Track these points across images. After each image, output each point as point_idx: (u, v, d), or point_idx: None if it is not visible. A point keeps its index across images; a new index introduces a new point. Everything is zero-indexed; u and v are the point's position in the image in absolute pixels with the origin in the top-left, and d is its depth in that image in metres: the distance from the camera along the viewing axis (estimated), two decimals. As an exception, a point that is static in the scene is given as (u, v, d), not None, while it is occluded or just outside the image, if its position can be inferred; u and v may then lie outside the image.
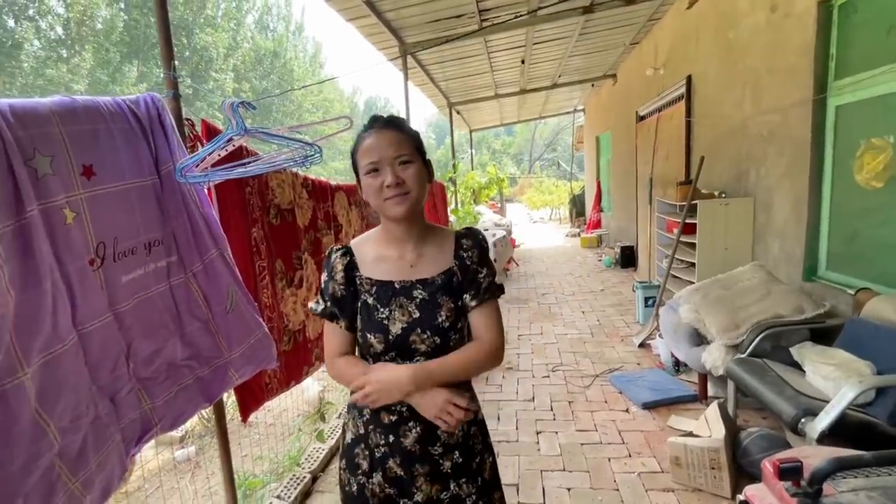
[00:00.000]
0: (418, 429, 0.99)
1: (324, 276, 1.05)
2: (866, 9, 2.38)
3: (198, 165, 1.40)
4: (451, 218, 6.55)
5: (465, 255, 1.03)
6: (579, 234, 10.47)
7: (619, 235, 8.02)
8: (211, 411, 2.26)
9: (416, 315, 0.97)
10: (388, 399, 0.93)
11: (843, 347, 2.13)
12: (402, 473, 1.00)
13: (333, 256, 1.04)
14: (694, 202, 3.54)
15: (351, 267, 1.02)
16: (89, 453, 1.13)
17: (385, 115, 1.02)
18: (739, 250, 3.42)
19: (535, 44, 5.63)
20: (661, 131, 5.36)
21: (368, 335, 0.98)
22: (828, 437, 1.70)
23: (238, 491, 1.85)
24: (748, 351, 2.38)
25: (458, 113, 9.22)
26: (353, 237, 2.70)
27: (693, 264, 3.64)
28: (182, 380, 1.43)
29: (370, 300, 1.00)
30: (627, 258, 6.83)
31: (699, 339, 2.75)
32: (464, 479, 1.03)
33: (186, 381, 1.44)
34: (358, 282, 1.01)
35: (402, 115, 4.75)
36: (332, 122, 1.63)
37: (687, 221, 3.62)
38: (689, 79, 4.45)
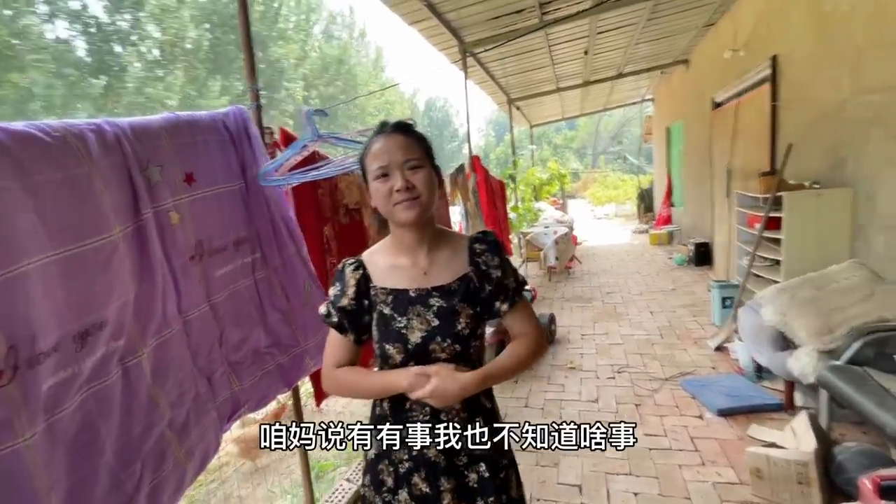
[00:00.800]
0: (441, 439, 0.97)
1: (335, 289, 1.03)
2: None
3: (277, 170, 1.53)
4: (511, 215, 6.51)
5: (480, 260, 1.01)
6: (648, 231, 9.93)
7: (692, 231, 7.51)
8: (287, 396, 2.45)
9: (435, 323, 0.95)
10: (450, 402, 0.92)
11: (965, 357, 1.87)
12: (428, 490, 0.97)
13: (346, 270, 1.03)
14: (779, 194, 3.24)
15: (364, 280, 1.01)
16: (191, 426, 1.29)
17: (394, 121, 1.01)
18: (834, 247, 3.08)
19: (598, 33, 5.43)
20: (740, 118, 4.95)
21: (386, 346, 0.97)
22: (944, 457, 1.50)
23: (311, 472, 1.99)
24: (845, 357, 2.15)
25: (517, 109, 9.11)
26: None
27: (778, 262, 3.33)
28: (265, 365, 1.58)
29: (386, 310, 0.98)
30: (702, 256, 6.38)
31: (785, 344, 2.53)
32: (492, 499, 0.99)
33: (269, 367, 1.59)
34: (373, 293, 1.00)
35: (462, 113, 4.79)
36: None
37: (771, 215, 3.32)
38: (774, 59, 4.07)
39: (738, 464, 2.17)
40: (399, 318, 0.97)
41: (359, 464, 2.34)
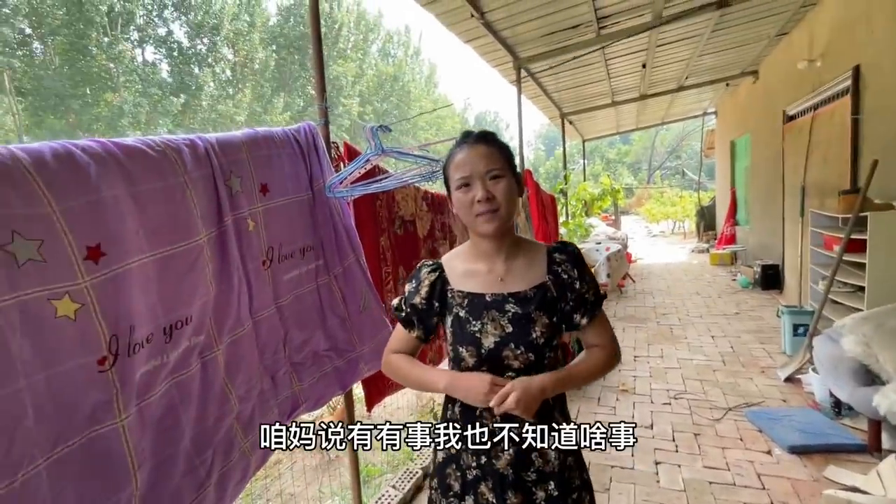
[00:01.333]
0: (510, 451, 0.97)
1: (410, 286, 1.07)
2: None
3: (342, 182, 1.62)
4: (562, 230, 6.40)
5: (559, 269, 1.00)
6: (708, 250, 9.39)
7: (758, 252, 7.01)
8: (339, 401, 2.53)
9: (509, 329, 0.95)
10: (533, 407, 0.91)
11: None
12: (494, 501, 0.97)
13: (424, 271, 1.06)
14: (863, 214, 2.98)
15: (441, 282, 1.03)
16: (256, 420, 1.37)
17: (476, 130, 1.02)
18: (930, 273, 2.77)
19: (658, 46, 5.28)
20: (816, 132, 4.61)
21: (460, 348, 0.98)
22: None
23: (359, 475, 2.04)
24: (943, 398, 1.92)
25: (570, 123, 8.99)
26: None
27: (861, 288, 3.05)
28: (323, 367, 1.65)
29: (462, 313, 0.99)
30: (770, 278, 5.94)
31: (869, 378, 2.30)
32: None
33: (326, 369, 1.66)
34: (450, 295, 1.02)
35: (514, 128, 4.81)
36: (453, 141, 1.75)
37: (853, 237, 3.05)
38: (856, 69, 3.77)
39: (812, 507, 1.98)
40: (474, 322, 0.97)
41: (405, 472, 2.36)
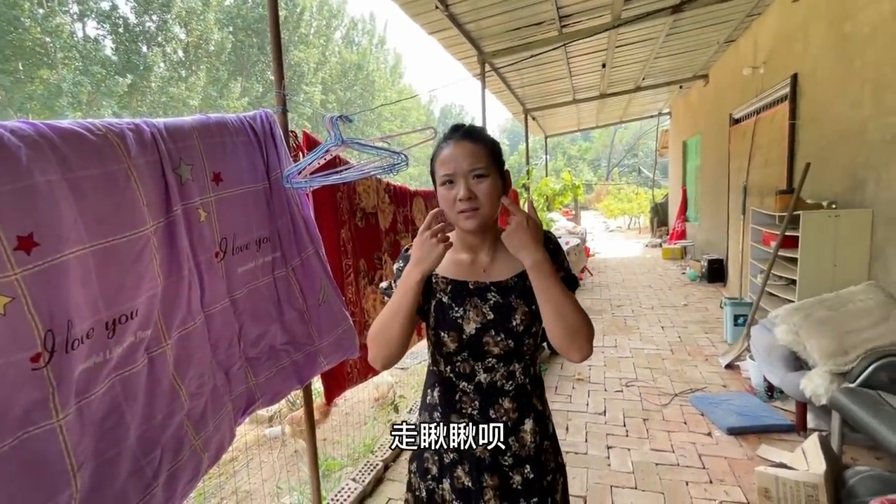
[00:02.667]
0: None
1: (398, 265, 1.06)
2: None
3: (300, 172, 1.58)
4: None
5: None
6: (661, 245, 9.86)
7: (706, 247, 7.44)
8: (297, 395, 2.49)
9: (491, 317, 0.97)
10: (514, 238, 0.91)
11: (984, 385, 1.83)
12: (471, 484, 0.99)
13: (412, 251, 1.07)
14: (797, 213, 3.22)
15: None
16: (208, 417, 1.33)
17: (465, 125, 1.01)
18: (851, 268, 3.04)
19: (617, 46, 5.45)
20: (758, 135, 4.92)
21: (442, 333, 0.99)
22: (959, 485, 1.48)
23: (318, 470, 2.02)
24: (859, 380, 2.13)
25: (533, 119, 9.14)
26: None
27: (793, 281, 3.30)
28: (280, 362, 1.61)
29: (445, 299, 1.00)
30: (715, 272, 6.32)
31: (798, 364, 2.50)
32: (535, 499, 1.00)
33: (284, 364, 1.62)
34: (433, 281, 1.03)
35: (478, 122, 4.85)
36: (417, 133, 1.75)
37: (787, 234, 3.30)
38: (794, 78, 4.05)
39: (746, 483, 2.15)
40: (456, 308, 0.99)
41: (365, 464, 2.36)
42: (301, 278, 1.67)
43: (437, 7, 3.62)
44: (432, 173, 1.02)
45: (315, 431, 1.92)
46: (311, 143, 1.88)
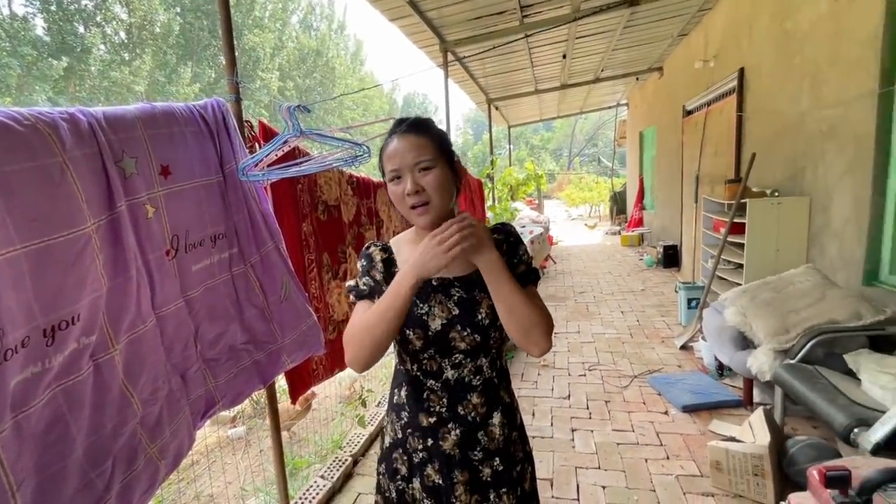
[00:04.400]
0: (458, 431, 0.98)
1: (362, 263, 1.04)
2: (943, -6, 2.21)
3: (257, 165, 1.51)
4: (489, 214, 6.57)
5: (498, 249, 1.00)
6: (619, 233, 10.21)
7: (661, 234, 7.76)
8: (261, 394, 2.42)
9: (456, 312, 0.96)
10: (482, 244, 0.87)
11: (904, 357, 2.02)
12: (441, 481, 0.98)
13: (373, 249, 1.04)
14: (743, 201, 3.41)
15: (390, 263, 1.02)
16: (164, 423, 1.26)
17: (409, 118, 0.98)
18: (792, 252, 3.26)
19: (577, 38, 5.53)
20: (709, 127, 5.15)
21: (407, 331, 0.97)
22: (883, 449, 1.62)
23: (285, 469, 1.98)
24: (798, 357, 2.29)
25: (496, 109, 9.18)
26: (394, 232, 2.76)
27: (741, 265, 3.50)
28: (241, 362, 1.56)
29: None
30: (670, 258, 6.61)
31: (745, 343, 2.66)
32: (505, 489, 1.00)
33: (245, 363, 1.57)
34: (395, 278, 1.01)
35: (442, 111, 4.81)
36: (380, 123, 1.70)
37: (735, 221, 3.49)
38: (741, 72, 4.25)
39: (699, 457, 2.28)
40: (421, 305, 0.97)
41: (334, 460, 2.34)
42: (261, 275, 1.61)
43: (397, -7, 3.55)
44: (382, 171, 0.99)
45: (280, 430, 1.87)
46: (269, 134, 1.80)
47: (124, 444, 1.14)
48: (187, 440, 1.38)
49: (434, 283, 0.98)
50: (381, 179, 1.01)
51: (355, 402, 2.71)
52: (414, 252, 0.97)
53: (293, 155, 1.74)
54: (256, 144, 1.74)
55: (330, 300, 2.22)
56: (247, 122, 1.73)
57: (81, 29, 16.39)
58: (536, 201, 13.17)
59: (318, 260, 2.13)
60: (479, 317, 0.96)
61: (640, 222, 9.53)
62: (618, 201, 12.36)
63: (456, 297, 0.98)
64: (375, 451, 2.50)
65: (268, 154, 1.51)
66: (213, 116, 1.48)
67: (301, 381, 1.96)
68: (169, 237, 1.29)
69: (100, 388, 1.08)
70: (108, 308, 1.10)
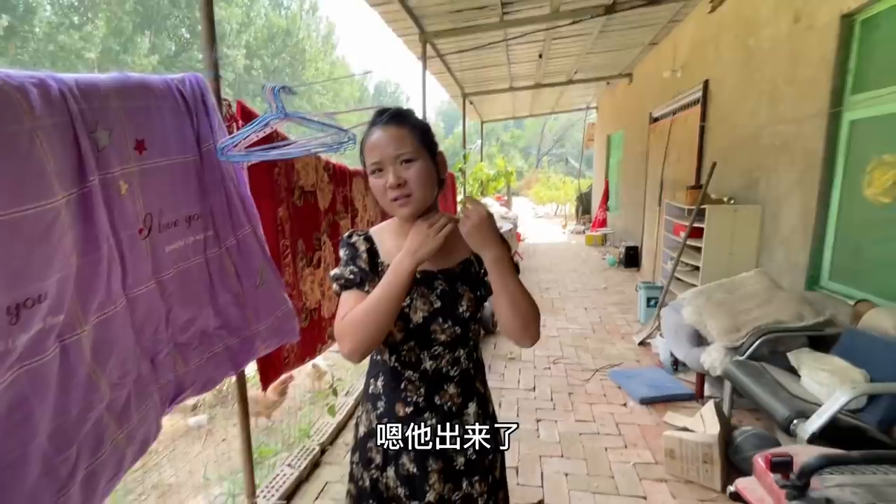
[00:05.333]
0: (433, 421, 0.99)
1: (345, 252, 1.01)
2: (889, 25, 2.41)
3: (237, 145, 1.47)
4: (458, 208, 6.62)
5: None
6: (584, 232, 10.52)
7: (624, 235, 8.07)
8: (226, 382, 2.36)
9: (438, 305, 0.97)
10: (485, 230, 0.90)
11: (839, 355, 2.21)
12: (416, 470, 0.99)
13: (355, 238, 1.02)
14: (703, 207, 3.60)
15: (372, 253, 1.00)
16: (132, 409, 1.22)
17: (390, 109, 0.97)
18: (744, 256, 3.48)
19: (554, 39, 5.63)
20: (674, 134, 5.39)
21: None
22: (818, 438, 1.78)
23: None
24: (747, 354, 2.46)
25: (471, 103, 9.21)
26: (368, 222, 2.73)
27: (697, 268, 3.71)
28: (213, 347, 1.52)
29: None
30: (631, 258, 6.90)
31: (700, 341, 2.83)
32: (477, 477, 1.02)
33: (217, 349, 1.53)
34: (380, 269, 0.99)
35: (414, 101, 4.78)
36: (366, 112, 1.68)
37: (695, 225, 3.68)
38: (706, 83, 4.47)
39: (655, 446, 2.41)
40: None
41: (301, 449, 2.31)
42: (237, 259, 1.57)
43: (380, -22, 3.49)
44: (363, 163, 0.97)
45: (248, 417, 1.84)
46: (247, 115, 1.74)
47: (90, 430, 1.09)
48: (154, 427, 1.33)
49: (417, 276, 0.97)
50: (357, 168, 0.99)
51: (326, 390, 2.69)
52: (398, 242, 0.98)
53: (271, 138, 1.69)
54: (234, 124, 1.68)
55: (303, 287, 2.18)
56: (225, 100, 1.67)
57: (25, -14, 15.08)
58: (505, 197, 13.36)
59: (293, 247, 2.09)
60: (461, 309, 0.98)
61: (603, 223, 9.86)
62: (583, 202, 12.73)
63: (439, 290, 0.98)
64: (344, 440, 2.50)
65: (248, 135, 1.47)
66: (192, 92, 1.42)
67: (272, 369, 1.92)
68: (142, 215, 1.24)
69: (66, 370, 1.03)
70: (77, 287, 1.04)
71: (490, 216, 0.92)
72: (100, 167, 1.10)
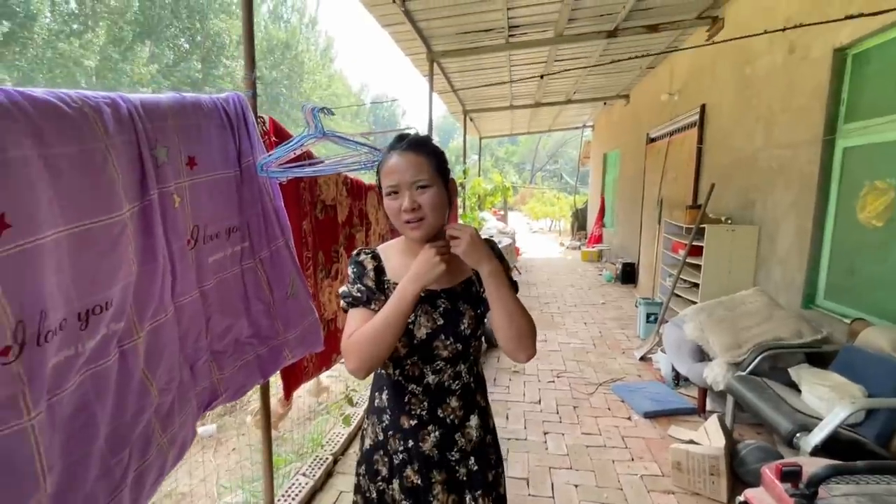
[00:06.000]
0: (437, 433, 1.03)
1: (353, 270, 1.04)
2: (879, 60, 2.57)
3: (275, 162, 1.54)
4: (460, 222, 6.71)
5: None
6: (580, 248, 10.66)
7: (620, 252, 8.20)
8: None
9: (441, 322, 1.01)
10: (479, 251, 0.95)
11: (837, 371, 2.30)
12: (420, 482, 1.02)
13: (363, 256, 1.06)
14: (702, 226, 3.72)
15: (380, 272, 1.04)
16: (175, 414, 1.26)
17: (410, 135, 1.02)
18: (742, 275, 3.59)
19: (555, 60, 5.81)
20: (671, 155, 5.55)
21: None
22: (820, 451, 1.86)
23: (261, 467, 1.96)
24: (749, 369, 2.54)
25: (471, 119, 9.38)
26: (380, 235, 2.81)
27: (696, 284, 3.81)
28: (245, 355, 1.56)
29: None
30: (628, 274, 7.01)
31: (702, 356, 2.91)
32: (480, 492, 1.05)
33: (248, 357, 1.57)
34: (386, 286, 1.03)
35: (411, 115, 4.89)
36: (397, 133, 1.76)
37: (694, 244, 3.79)
38: (703, 107, 4.64)
39: (661, 459, 2.47)
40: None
41: (314, 459, 2.33)
42: (269, 270, 1.62)
43: (393, 1, 3.61)
44: (378, 183, 1.03)
45: (271, 425, 1.87)
46: (278, 131, 1.82)
47: (140, 433, 1.13)
48: (191, 432, 1.37)
49: (422, 295, 1.00)
50: (371, 183, 1.06)
51: (341, 401, 2.72)
52: (404, 261, 1.04)
53: (301, 156, 1.76)
54: (267, 140, 1.75)
55: (322, 299, 2.23)
56: (259, 118, 1.74)
57: (27, -7, 15.12)
58: (502, 212, 13.50)
59: (315, 259, 2.15)
60: (462, 327, 1.03)
61: (599, 239, 10.01)
62: (579, 218, 12.90)
63: (441, 308, 1.03)
64: (355, 450, 2.52)
65: (287, 152, 1.54)
66: (235, 111, 1.50)
67: (294, 378, 1.97)
68: (190, 227, 1.30)
69: (123, 374, 1.08)
70: (136, 296, 1.10)
71: (476, 232, 0.98)
72: (159, 182, 1.17)
